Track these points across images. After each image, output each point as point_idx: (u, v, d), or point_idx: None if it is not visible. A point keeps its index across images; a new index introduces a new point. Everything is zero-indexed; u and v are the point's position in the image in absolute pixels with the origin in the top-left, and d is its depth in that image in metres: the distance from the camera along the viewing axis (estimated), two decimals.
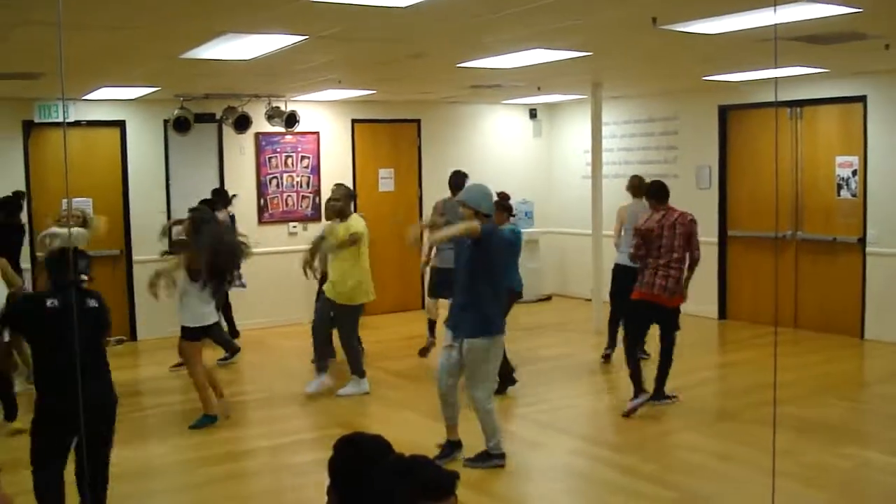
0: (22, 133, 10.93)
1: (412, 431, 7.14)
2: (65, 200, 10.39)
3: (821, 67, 9.55)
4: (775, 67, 9.20)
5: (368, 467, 2.61)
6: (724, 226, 12.07)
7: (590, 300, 11.95)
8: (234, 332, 10.82)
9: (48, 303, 5.00)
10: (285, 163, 12.53)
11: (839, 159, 10.72)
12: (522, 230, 13.83)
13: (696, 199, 12.10)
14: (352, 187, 12.77)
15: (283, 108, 11.73)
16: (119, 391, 7.24)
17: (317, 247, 8.89)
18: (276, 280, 11.83)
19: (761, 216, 11.51)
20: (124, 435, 7.13)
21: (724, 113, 11.96)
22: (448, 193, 10.01)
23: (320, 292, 9.12)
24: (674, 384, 8.17)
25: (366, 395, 8.74)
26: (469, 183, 8.54)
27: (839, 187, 10.74)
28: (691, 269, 7.97)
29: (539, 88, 11.54)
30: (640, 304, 7.92)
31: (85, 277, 5.42)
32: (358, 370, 8.77)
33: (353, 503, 2.67)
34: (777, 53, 8.08)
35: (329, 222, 9.01)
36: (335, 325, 8.90)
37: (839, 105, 10.73)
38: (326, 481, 2.81)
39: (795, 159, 11.10)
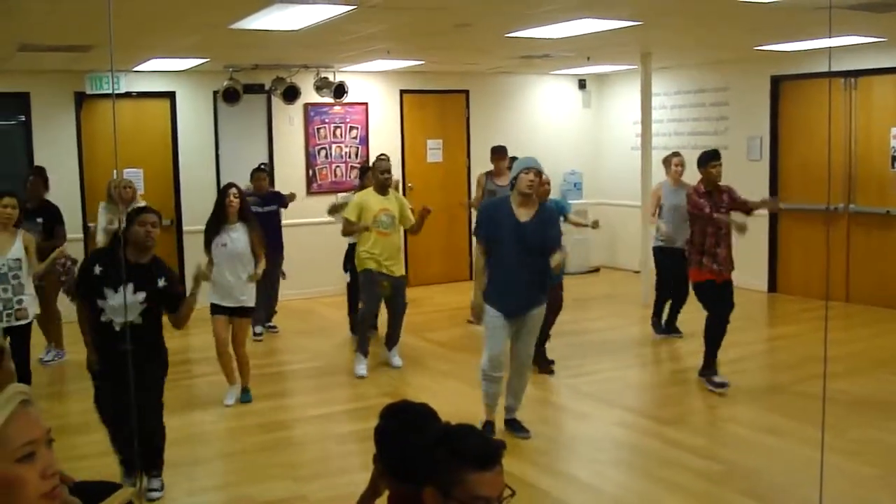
0: (74, 104, 11.07)
1: (458, 401, 7.15)
2: (115, 171, 10.52)
3: (877, 36, 9.36)
4: (829, 37, 9.03)
5: (414, 435, 2.63)
6: (774, 197, 11.90)
7: (638, 272, 11.88)
8: None
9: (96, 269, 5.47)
10: (334, 133, 12.56)
11: (895, 130, 10.52)
12: (571, 201, 13.86)
13: (746, 170, 11.98)
14: (400, 158, 12.86)
15: (331, 78, 11.74)
16: (180, 360, 7.41)
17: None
18: (323, 250, 11.86)
19: (813, 188, 11.34)
20: (173, 402, 7.26)
21: (777, 83, 11.78)
22: (489, 166, 10.07)
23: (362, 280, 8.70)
24: (723, 356, 8.11)
25: (413, 365, 8.78)
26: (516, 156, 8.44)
27: (894, 159, 10.55)
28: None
29: (588, 58, 11.44)
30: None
31: None
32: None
33: (399, 471, 2.69)
34: (832, 22, 7.93)
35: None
36: (396, 300, 8.73)
37: None
38: (373, 449, 2.83)
39: (849, 130, 10.92)
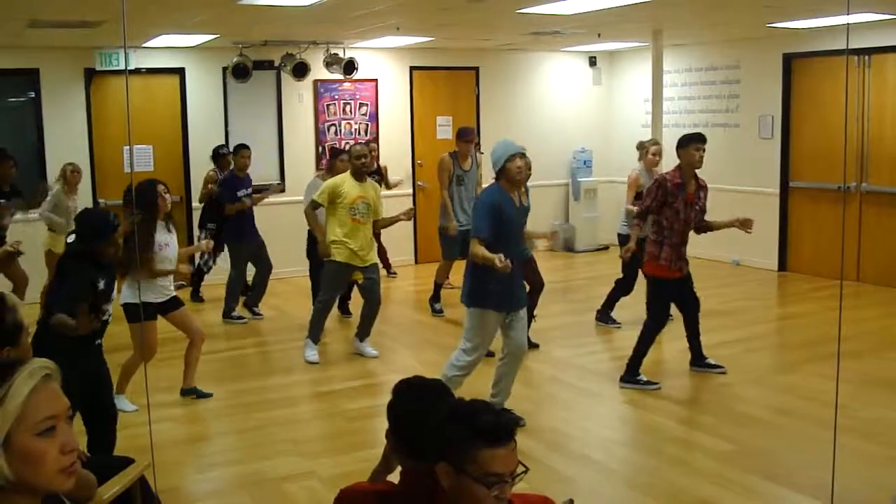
0: (84, 81, 11.05)
1: (470, 378, 7.14)
2: (126, 147, 10.51)
3: (892, 13, 9.28)
4: (848, 13, 8.94)
5: (427, 411, 2.62)
6: (785, 176, 11.86)
7: None
8: None
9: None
10: (343, 110, 12.53)
11: None
12: (581, 179, 13.84)
13: (757, 148, 11.94)
14: (410, 135, 12.83)
15: (341, 55, 11.71)
16: (180, 336, 7.36)
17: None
18: None
19: (825, 167, 11.28)
20: (176, 380, 7.33)
21: (789, 61, 11.70)
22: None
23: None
24: (733, 335, 8.08)
25: (424, 342, 8.78)
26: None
27: None
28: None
29: (599, 35, 11.38)
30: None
31: None
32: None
33: (412, 446, 2.68)
34: None
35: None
36: (374, 290, 8.31)
37: None
38: (383, 426, 2.82)
39: (862, 109, 10.84)
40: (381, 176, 10.92)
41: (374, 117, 12.70)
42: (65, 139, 10.78)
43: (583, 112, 14.28)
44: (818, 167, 11.40)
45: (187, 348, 7.23)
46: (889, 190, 10.68)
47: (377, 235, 11.47)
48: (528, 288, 6.91)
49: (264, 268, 9.97)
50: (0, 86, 10.98)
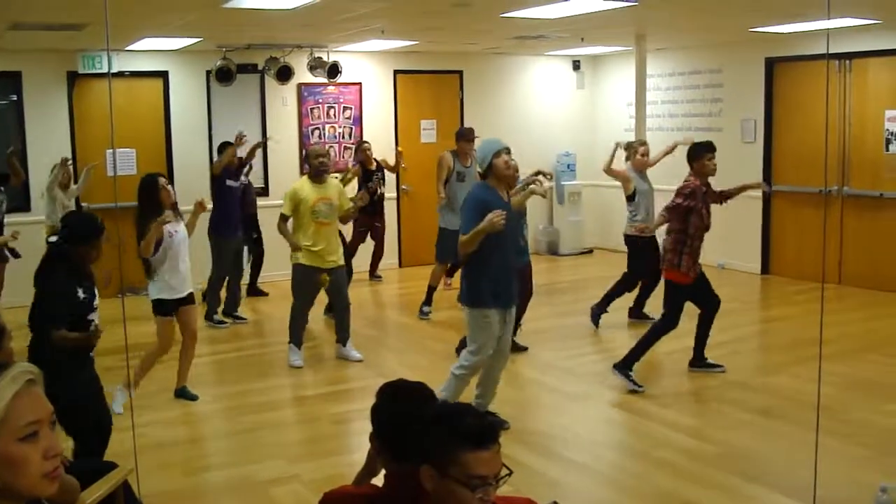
0: (67, 84, 11.01)
1: None
2: (109, 151, 10.47)
3: (872, 18, 9.33)
4: (829, 18, 8.99)
5: (411, 414, 2.62)
6: (768, 180, 11.88)
7: None
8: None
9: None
10: (327, 114, 12.52)
11: (889, 113, 10.51)
12: (565, 183, 13.86)
13: (740, 152, 11.97)
14: (394, 138, 12.83)
15: (325, 58, 11.70)
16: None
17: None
18: None
19: (807, 170, 11.33)
20: (168, 383, 7.30)
21: (771, 65, 11.76)
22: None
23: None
24: (718, 338, 8.10)
25: (408, 346, 8.77)
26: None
27: (888, 142, 10.55)
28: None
29: (583, 40, 11.40)
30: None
31: None
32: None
33: (396, 450, 2.68)
34: (830, 3, 7.89)
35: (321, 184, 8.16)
36: (341, 294, 8.39)
37: (890, 57, 10.50)
38: (367, 430, 2.82)
39: (843, 113, 10.91)
40: (383, 171, 11.32)
41: (359, 121, 12.70)
42: (47, 143, 10.73)
43: (567, 116, 14.31)
44: (800, 171, 11.45)
45: (182, 348, 7.28)
46: (870, 193, 10.75)
47: (381, 237, 11.56)
48: None
49: (237, 272, 9.98)
50: None
